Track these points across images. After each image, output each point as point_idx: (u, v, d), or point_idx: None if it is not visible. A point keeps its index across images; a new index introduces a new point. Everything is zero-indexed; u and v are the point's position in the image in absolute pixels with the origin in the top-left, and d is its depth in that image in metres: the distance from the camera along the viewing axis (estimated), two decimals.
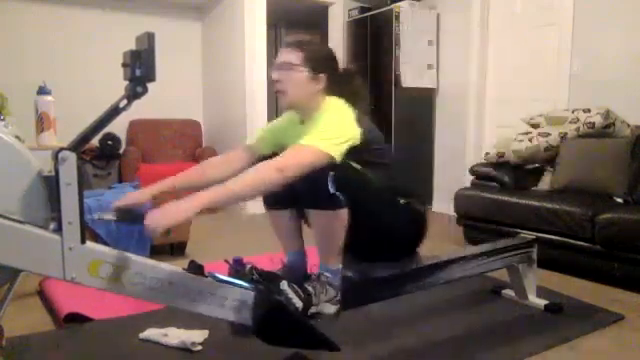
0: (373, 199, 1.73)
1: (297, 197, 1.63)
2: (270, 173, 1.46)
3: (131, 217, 1.58)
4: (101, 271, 1.33)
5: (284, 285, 1.55)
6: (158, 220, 1.34)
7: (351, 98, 1.76)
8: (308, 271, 1.80)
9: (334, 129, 1.59)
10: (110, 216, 1.56)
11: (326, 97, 1.75)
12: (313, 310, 1.55)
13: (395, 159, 1.95)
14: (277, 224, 1.90)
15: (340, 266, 1.67)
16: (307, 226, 1.80)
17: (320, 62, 1.73)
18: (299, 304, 1.52)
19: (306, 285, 1.60)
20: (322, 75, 1.72)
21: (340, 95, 1.76)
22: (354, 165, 1.67)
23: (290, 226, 1.88)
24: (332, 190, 1.54)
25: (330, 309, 1.58)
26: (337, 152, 1.55)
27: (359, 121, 1.68)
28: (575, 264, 2.76)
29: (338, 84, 1.77)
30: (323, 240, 1.66)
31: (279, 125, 1.94)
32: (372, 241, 1.77)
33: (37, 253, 1.26)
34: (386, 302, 1.86)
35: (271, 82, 1.77)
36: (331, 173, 1.54)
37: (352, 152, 1.61)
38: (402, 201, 1.85)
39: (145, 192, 1.69)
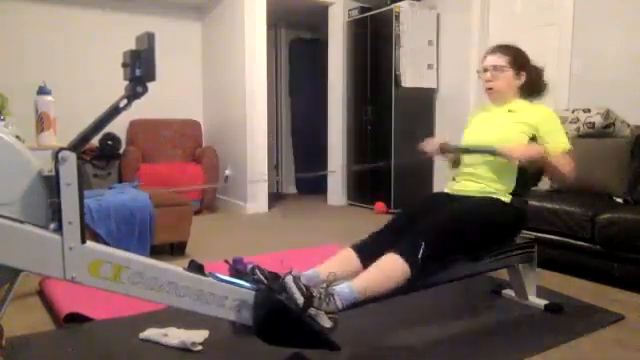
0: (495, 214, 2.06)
1: (384, 251, 1.78)
2: (569, 168, 2.04)
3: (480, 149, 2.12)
4: (101, 271, 1.33)
5: (289, 279, 1.55)
6: (520, 153, 1.94)
7: (537, 92, 2.26)
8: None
9: (562, 130, 2.11)
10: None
11: (520, 94, 2.22)
12: (312, 312, 1.54)
13: None
14: (343, 257, 1.95)
15: (357, 299, 1.66)
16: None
17: (520, 63, 2.20)
18: (300, 300, 1.51)
19: (312, 288, 1.59)
20: (523, 73, 2.19)
21: (528, 90, 2.22)
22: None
23: (347, 268, 1.90)
24: (420, 254, 1.75)
25: (326, 322, 1.57)
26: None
27: None
28: (575, 264, 2.75)
29: (528, 81, 2.22)
30: (373, 273, 1.72)
31: (476, 121, 2.35)
32: (476, 238, 2.00)
33: (37, 253, 1.27)
34: (386, 302, 1.86)
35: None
36: (422, 245, 1.76)
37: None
38: (513, 202, 2.09)
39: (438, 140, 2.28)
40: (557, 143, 2.06)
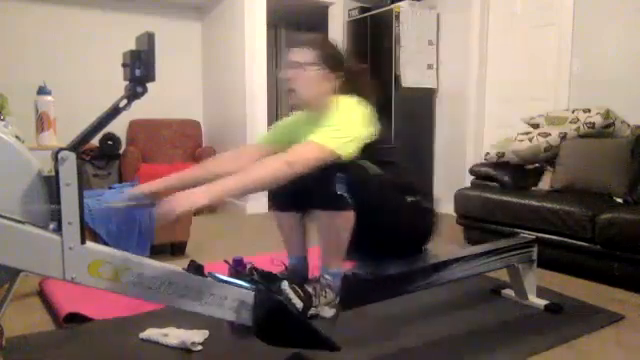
0: (380, 198, 1.73)
1: (305, 198, 1.63)
2: (279, 166, 1.47)
3: (142, 204, 1.68)
4: (101, 271, 1.33)
5: (284, 285, 1.55)
6: (169, 206, 1.31)
7: (359, 95, 1.76)
8: (309, 275, 1.81)
9: (344, 127, 1.60)
10: (121, 204, 1.73)
11: (337, 95, 1.75)
12: (312, 312, 1.55)
13: (401, 158, 1.95)
14: (283, 226, 1.90)
15: (341, 269, 1.66)
16: (310, 230, 1.80)
17: (332, 60, 1.74)
18: (299, 305, 1.52)
19: (306, 286, 1.60)
20: (334, 73, 1.74)
21: (348, 92, 1.76)
22: (363, 164, 1.69)
23: (295, 229, 1.87)
24: (339, 191, 1.55)
25: (328, 312, 1.57)
26: (346, 150, 1.57)
27: (374, 119, 1.69)
28: (575, 264, 2.75)
29: (347, 81, 1.78)
30: (327, 242, 1.66)
31: (289, 123, 1.95)
32: (379, 239, 1.76)
33: (37, 253, 1.26)
34: (386, 302, 1.86)
35: (284, 82, 1.76)
36: (339, 174, 1.54)
37: (363, 150, 1.64)
38: (409, 199, 1.85)
39: (157, 183, 1.73)
40: (315, 135, 1.57)
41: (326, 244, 1.66)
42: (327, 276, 1.64)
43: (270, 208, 1.90)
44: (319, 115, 1.74)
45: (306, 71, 1.71)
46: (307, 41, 1.77)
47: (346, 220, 1.60)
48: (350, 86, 1.78)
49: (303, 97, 1.74)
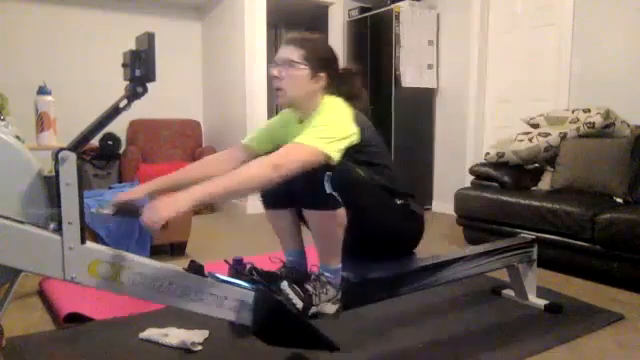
0: (370, 200, 1.73)
1: (295, 197, 1.63)
2: (265, 170, 1.43)
3: (128, 211, 1.58)
4: (101, 271, 1.33)
5: (284, 285, 1.55)
6: (154, 214, 1.28)
7: (350, 98, 1.75)
8: (308, 270, 1.81)
9: (331, 128, 1.57)
10: (108, 210, 1.56)
11: (325, 96, 1.74)
12: (313, 310, 1.56)
13: (392, 160, 1.91)
14: (276, 224, 1.90)
15: (340, 265, 1.67)
16: (305, 227, 1.78)
17: (321, 61, 1.71)
18: (299, 304, 1.53)
19: (306, 285, 1.60)
20: (322, 74, 1.71)
21: (339, 95, 1.75)
22: (352, 165, 1.68)
23: (289, 226, 1.87)
24: (329, 190, 1.54)
25: (330, 309, 1.58)
26: (334, 151, 1.54)
27: (357, 120, 1.68)
28: (575, 264, 2.75)
29: (337, 84, 1.76)
30: (322, 241, 1.65)
31: (276, 123, 1.93)
32: (368, 241, 1.78)
33: (37, 253, 1.26)
34: (386, 302, 1.86)
35: (271, 80, 1.76)
36: (327, 173, 1.53)
37: (350, 152, 1.62)
38: (399, 202, 1.85)
39: (142, 189, 1.67)
40: (303, 136, 1.54)
41: (321, 243, 1.66)
42: (327, 273, 1.64)
43: (263, 206, 1.88)
44: (306, 116, 1.73)
45: (294, 70, 1.67)
46: (296, 39, 1.72)
47: (339, 219, 1.60)
48: (339, 88, 1.76)
49: (290, 96, 1.71)
